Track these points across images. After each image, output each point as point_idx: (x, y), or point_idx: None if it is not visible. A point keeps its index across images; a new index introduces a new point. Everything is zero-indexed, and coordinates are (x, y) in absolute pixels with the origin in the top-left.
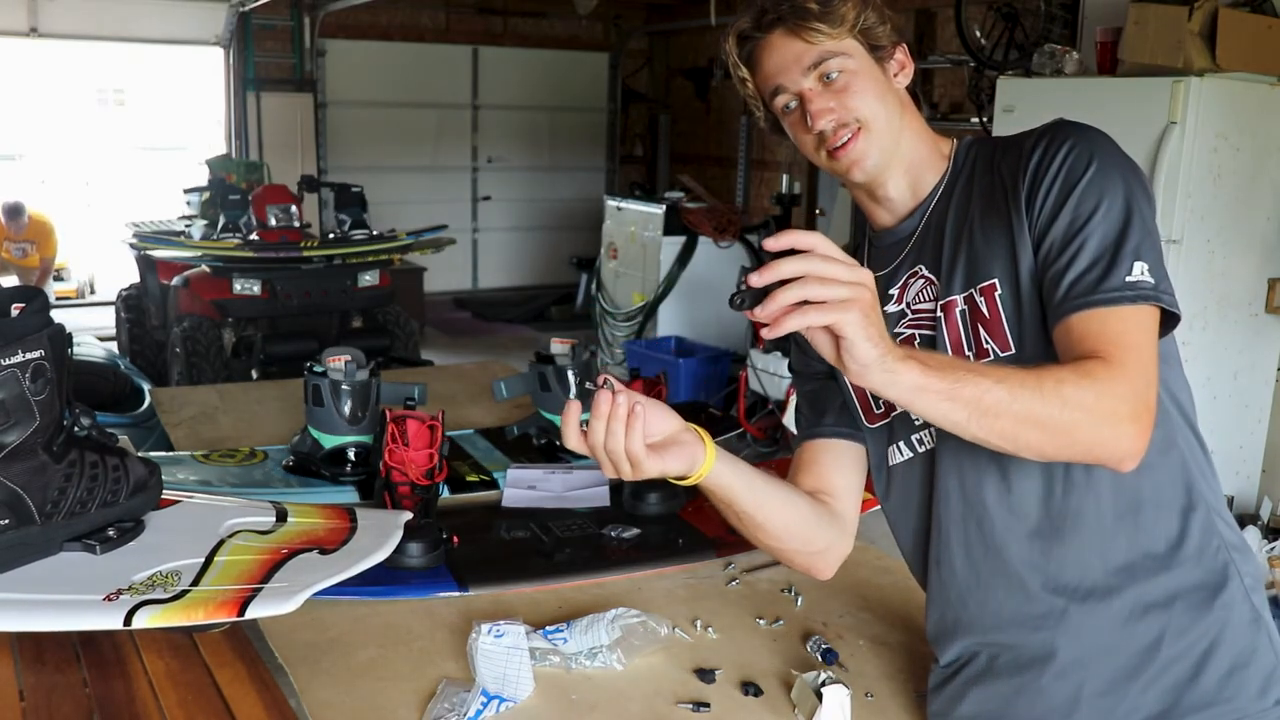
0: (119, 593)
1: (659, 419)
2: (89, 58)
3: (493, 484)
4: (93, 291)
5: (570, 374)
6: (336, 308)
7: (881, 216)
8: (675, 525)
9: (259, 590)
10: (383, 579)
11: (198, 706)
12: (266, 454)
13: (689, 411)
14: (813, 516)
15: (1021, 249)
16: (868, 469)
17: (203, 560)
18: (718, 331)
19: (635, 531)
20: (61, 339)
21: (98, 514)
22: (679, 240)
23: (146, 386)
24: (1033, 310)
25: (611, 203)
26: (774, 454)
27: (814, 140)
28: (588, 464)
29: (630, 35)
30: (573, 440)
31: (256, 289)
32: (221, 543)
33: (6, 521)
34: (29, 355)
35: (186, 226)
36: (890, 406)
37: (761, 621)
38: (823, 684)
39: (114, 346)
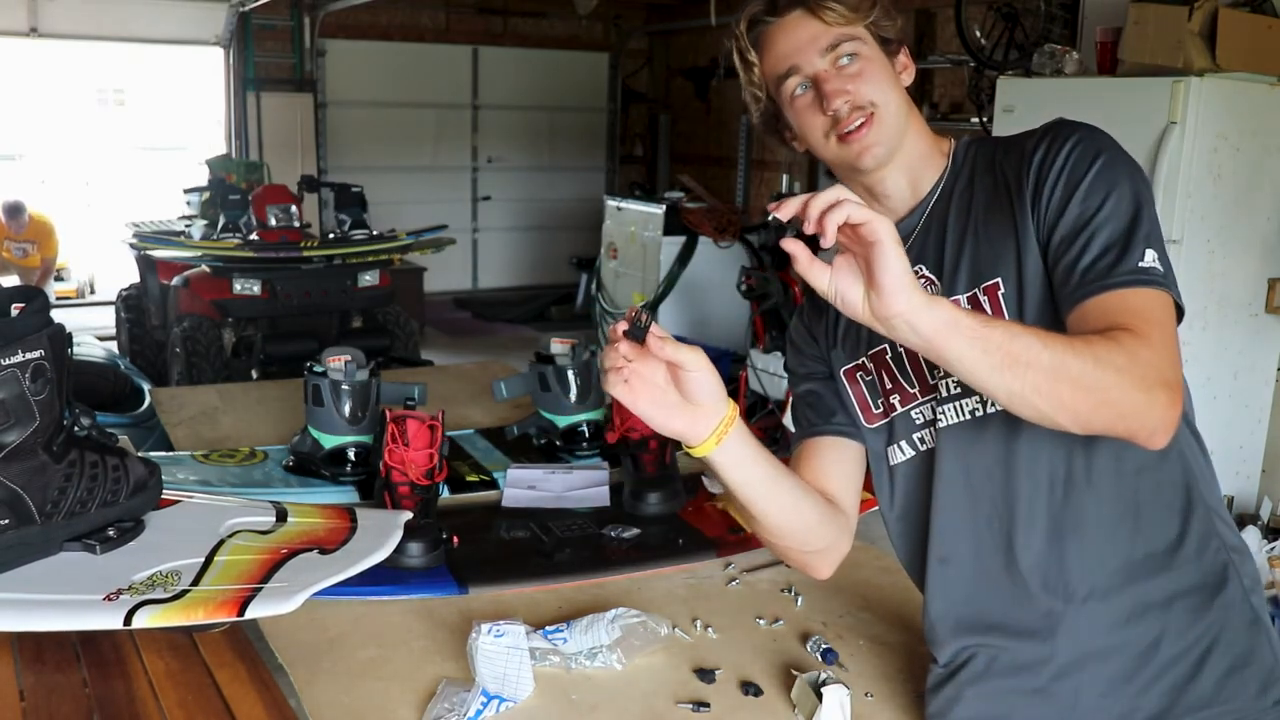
0: (119, 593)
1: (697, 389)
2: (89, 58)
3: (493, 484)
4: (93, 291)
5: (570, 374)
6: (336, 308)
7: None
8: (675, 525)
9: (259, 590)
10: (383, 579)
11: (198, 706)
12: (266, 454)
13: None
14: (815, 519)
15: (1026, 248)
16: (867, 468)
17: (203, 560)
18: (718, 331)
19: (635, 531)
20: (61, 339)
21: (98, 514)
22: (679, 240)
23: (146, 386)
24: (1038, 309)
25: (611, 203)
26: (774, 454)
27: (825, 124)
28: (588, 464)
29: (630, 35)
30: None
31: (256, 289)
32: (221, 543)
33: (6, 521)
34: (29, 355)
35: (186, 226)
36: (890, 406)
37: (761, 621)
38: (823, 684)
39: (114, 346)
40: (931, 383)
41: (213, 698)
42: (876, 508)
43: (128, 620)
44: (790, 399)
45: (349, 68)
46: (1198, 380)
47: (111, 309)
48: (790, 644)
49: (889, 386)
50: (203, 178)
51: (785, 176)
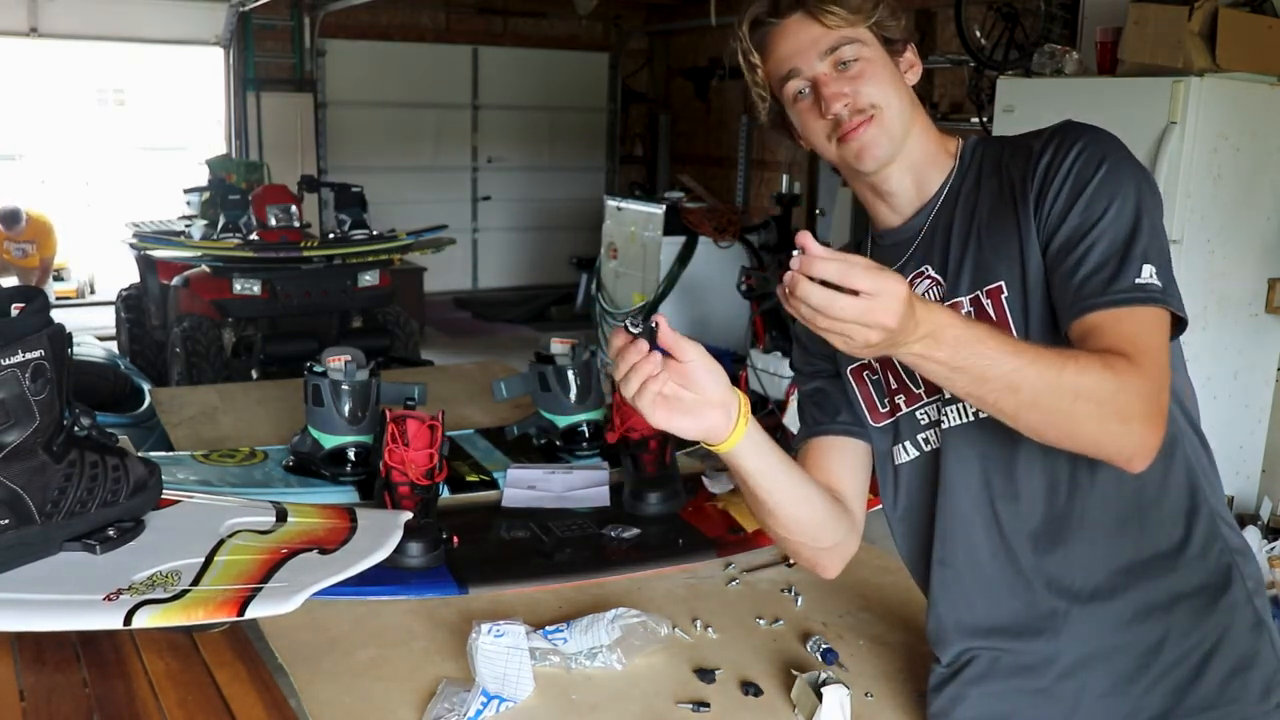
0: (119, 592)
1: (706, 380)
2: (89, 58)
3: (493, 484)
4: (93, 291)
5: (570, 374)
6: (336, 308)
7: (886, 215)
8: (675, 525)
9: (259, 590)
10: (383, 579)
11: (198, 706)
12: (266, 454)
13: None
14: (827, 514)
15: (1029, 251)
16: (873, 468)
17: (203, 560)
18: (718, 331)
19: (635, 531)
20: (61, 339)
21: (98, 514)
22: (679, 240)
23: (146, 386)
24: (1040, 313)
25: (611, 203)
26: None
27: (826, 127)
28: (588, 464)
29: (630, 35)
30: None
31: (256, 289)
32: (221, 542)
33: (6, 521)
34: (29, 355)
35: (186, 226)
36: (895, 406)
37: (761, 621)
38: (823, 684)
39: (114, 346)
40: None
41: (213, 698)
42: (878, 507)
43: (128, 620)
44: (790, 398)
45: (349, 68)
46: (1198, 380)
47: (111, 309)
48: (790, 644)
49: (894, 386)
50: (203, 178)
51: (785, 176)
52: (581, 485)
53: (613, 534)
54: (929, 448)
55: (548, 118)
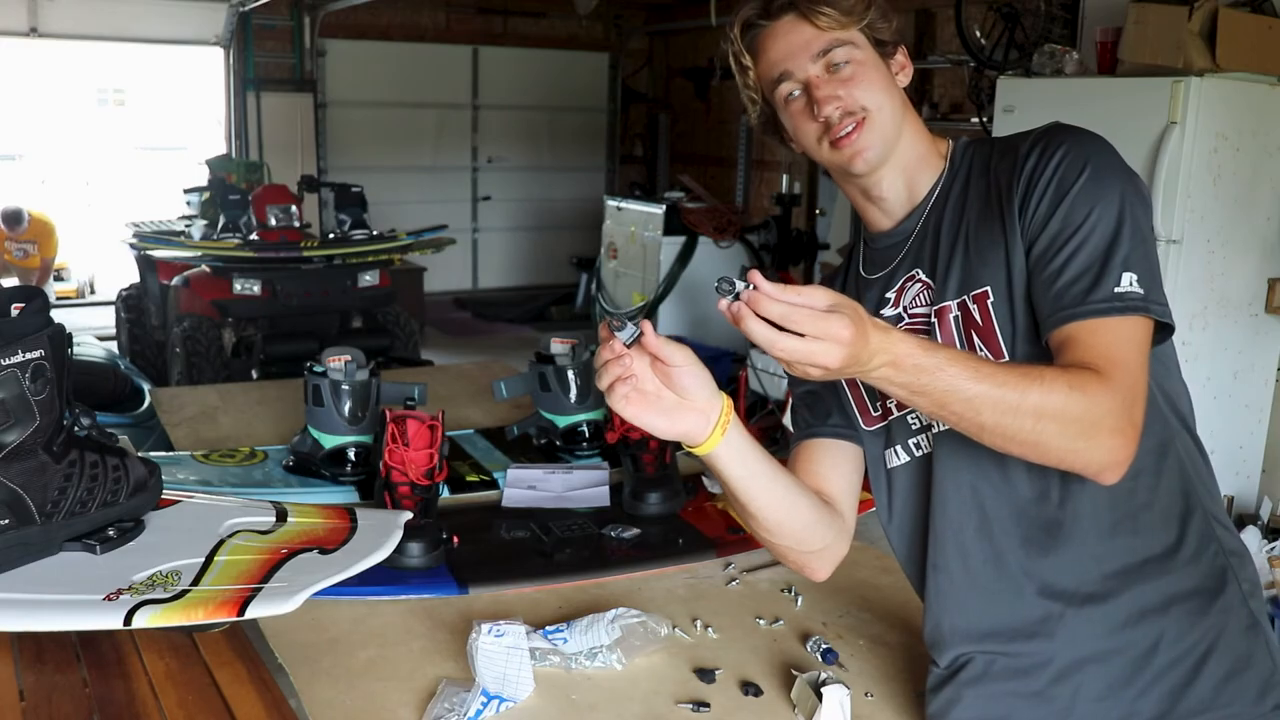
0: (119, 592)
1: (691, 384)
2: (89, 58)
3: (493, 484)
4: (93, 291)
5: (570, 374)
6: (336, 308)
7: (877, 218)
8: (675, 525)
9: (259, 590)
10: (383, 579)
11: (198, 707)
12: (266, 454)
13: None
14: (812, 517)
15: (1014, 256)
16: (865, 471)
17: (203, 560)
18: (718, 331)
19: (635, 531)
20: (61, 339)
21: (98, 514)
22: (679, 240)
23: (146, 386)
24: (1025, 318)
25: (611, 203)
26: (774, 454)
27: (817, 130)
28: (588, 464)
29: (630, 35)
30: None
31: (256, 289)
32: (221, 542)
33: (6, 521)
34: (29, 355)
35: (186, 226)
36: (887, 410)
37: (761, 621)
38: (822, 684)
39: (114, 346)
40: None
41: (213, 698)
42: (875, 508)
43: (128, 620)
44: (789, 399)
45: (349, 68)
46: (1198, 380)
47: (111, 309)
48: (790, 644)
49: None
50: (203, 178)
51: (785, 176)
52: (581, 485)
53: (613, 534)
54: (920, 452)
55: (548, 118)
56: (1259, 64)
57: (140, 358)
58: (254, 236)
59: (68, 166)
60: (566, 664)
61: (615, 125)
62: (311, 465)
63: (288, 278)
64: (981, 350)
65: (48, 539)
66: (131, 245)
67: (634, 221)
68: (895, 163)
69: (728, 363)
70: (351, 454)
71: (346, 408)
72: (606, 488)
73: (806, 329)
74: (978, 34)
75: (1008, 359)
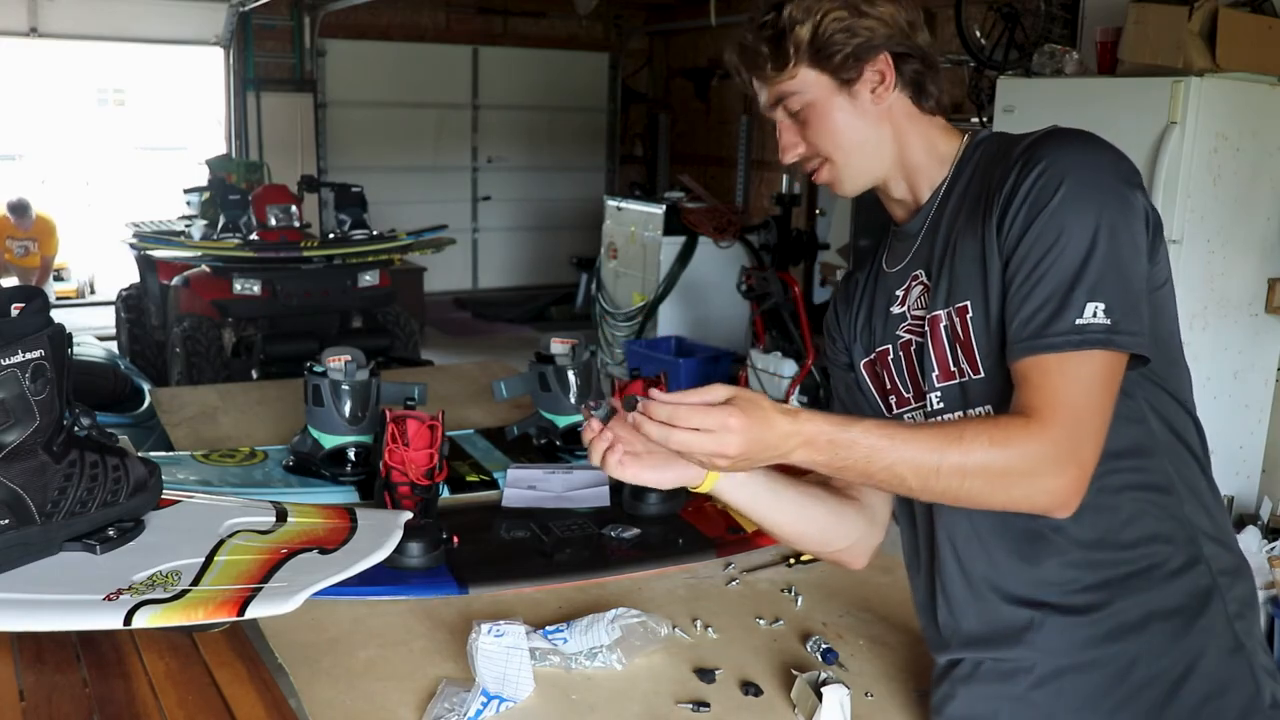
0: (119, 592)
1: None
2: (89, 58)
3: (493, 484)
4: (93, 291)
5: (570, 374)
6: (336, 308)
7: (897, 211)
8: (675, 525)
9: (259, 590)
10: (383, 579)
11: (198, 707)
12: (266, 454)
13: None
14: (828, 521)
15: (992, 272)
16: None
17: (203, 560)
18: (718, 331)
19: (635, 531)
20: (61, 339)
21: (98, 514)
22: (679, 240)
23: (146, 386)
24: (1000, 335)
25: (611, 203)
26: None
27: None
28: (588, 464)
29: (630, 35)
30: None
31: (256, 289)
32: (221, 542)
33: (6, 521)
34: (29, 355)
35: (186, 226)
36: (889, 405)
37: (761, 621)
38: (822, 684)
39: (114, 346)
40: (924, 390)
41: (213, 698)
42: None
43: (128, 620)
44: (789, 399)
45: (349, 68)
46: (1198, 380)
47: (111, 309)
48: (790, 644)
49: (889, 386)
50: (203, 178)
51: (785, 176)
52: (581, 485)
53: (613, 534)
54: None
55: (548, 118)
56: (1259, 64)
57: (140, 358)
58: (254, 236)
59: (68, 166)
60: (566, 664)
61: (615, 125)
62: (311, 465)
63: (288, 278)
64: (964, 364)
65: (48, 539)
66: (131, 245)
67: (634, 221)
68: (894, 172)
69: (727, 363)
70: (351, 454)
71: (346, 408)
72: (606, 488)
73: (695, 423)
74: (978, 34)
75: (982, 375)
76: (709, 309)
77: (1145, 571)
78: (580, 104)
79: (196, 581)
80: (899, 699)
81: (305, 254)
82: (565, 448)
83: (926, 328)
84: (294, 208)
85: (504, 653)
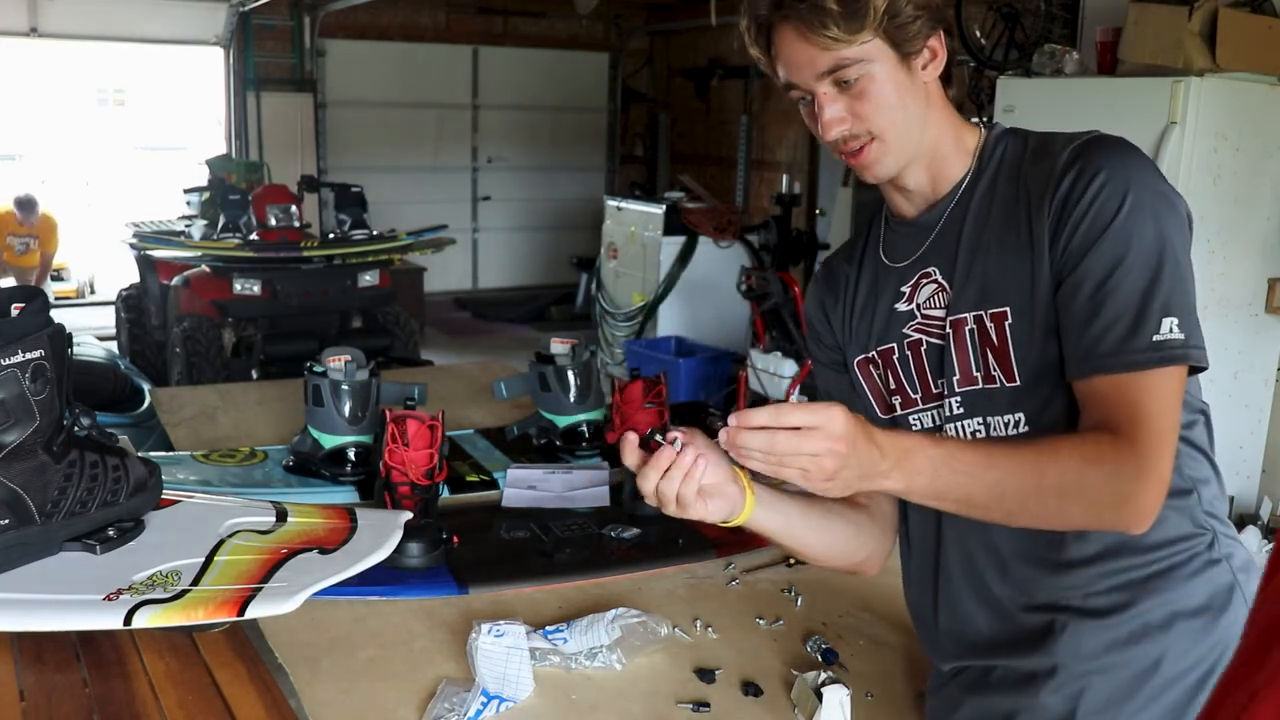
0: (119, 592)
1: (712, 469)
2: (89, 58)
3: (493, 484)
4: (93, 291)
5: (570, 374)
6: (336, 308)
7: (901, 205)
8: (675, 525)
9: (259, 590)
10: (383, 579)
11: (198, 707)
12: (266, 454)
13: (689, 411)
14: (849, 533)
15: (1039, 281)
16: None
17: (202, 560)
18: (718, 331)
19: (635, 531)
20: (61, 339)
21: (98, 514)
22: (679, 240)
23: (146, 386)
24: (1044, 344)
25: (611, 203)
26: None
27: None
28: (588, 464)
29: (630, 35)
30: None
31: (256, 289)
32: (221, 542)
33: (6, 521)
34: (29, 355)
35: (186, 226)
36: (892, 406)
37: (761, 621)
38: (823, 684)
39: (114, 346)
40: (936, 392)
41: (213, 698)
42: None
43: (128, 620)
44: (790, 399)
45: (349, 67)
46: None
47: (111, 309)
48: (790, 644)
49: (893, 386)
50: (203, 178)
51: (785, 176)
52: (581, 485)
53: (613, 534)
54: None
55: (548, 118)
56: (1259, 64)
57: (140, 358)
58: (254, 236)
59: (68, 166)
60: (566, 664)
61: (615, 125)
62: (311, 465)
63: (288, 278)
64: (995, 370)
65: (48, 539)
66: (131, 245)
67: (634, 221)
68: (918, 160)
69: (728, 363)
70: (351, 454)
71: (346, 408)
72: (606, 488)
73: (796, 419)
74: (978, 34)
75: (1019, 383)
76: (709, 309)
77: (1167, 572)
78: (580, 104)
79: (196, 582)
80: (899, 699)
81: (305, 254)
82: (565, 448)
83: (948, 329)
84: (294, 208)
85: (504, 653)
